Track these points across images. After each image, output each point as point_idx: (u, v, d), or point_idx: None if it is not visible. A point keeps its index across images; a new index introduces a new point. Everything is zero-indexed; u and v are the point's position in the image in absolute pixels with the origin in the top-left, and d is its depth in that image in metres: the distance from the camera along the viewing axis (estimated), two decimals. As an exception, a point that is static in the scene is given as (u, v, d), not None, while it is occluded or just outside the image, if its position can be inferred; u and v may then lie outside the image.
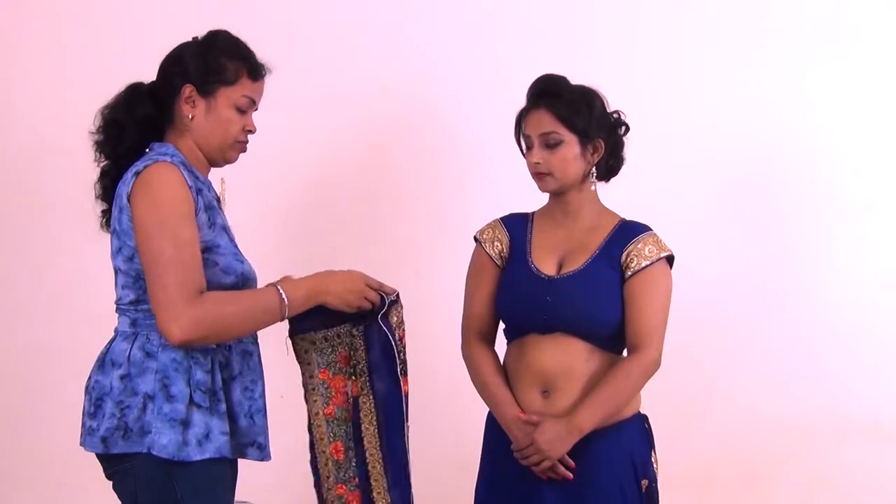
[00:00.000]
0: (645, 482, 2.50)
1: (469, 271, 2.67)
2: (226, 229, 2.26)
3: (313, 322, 2.33)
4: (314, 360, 2.37)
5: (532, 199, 2.64)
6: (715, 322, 3.36)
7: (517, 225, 2.63)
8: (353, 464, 2.39)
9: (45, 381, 3.34)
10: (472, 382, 2.61)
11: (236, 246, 2.28)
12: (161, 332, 2.06)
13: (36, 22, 3.41)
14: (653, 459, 2.55)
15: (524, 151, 2.57)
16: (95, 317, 2.41)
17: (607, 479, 2.46)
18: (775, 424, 3.36)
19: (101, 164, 2.26)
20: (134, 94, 2.24)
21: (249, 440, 2.20)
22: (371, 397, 2.36)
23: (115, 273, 2.20)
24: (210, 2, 3.27)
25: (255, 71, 2.26)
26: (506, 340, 2.63)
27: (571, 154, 2.49)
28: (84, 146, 2.29)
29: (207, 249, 2.15)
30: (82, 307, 3.14)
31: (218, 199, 2.30)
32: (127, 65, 2.40)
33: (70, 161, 2.55)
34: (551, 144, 2.49)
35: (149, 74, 2.29)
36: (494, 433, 2.58)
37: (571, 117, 2.48)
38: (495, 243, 2.62)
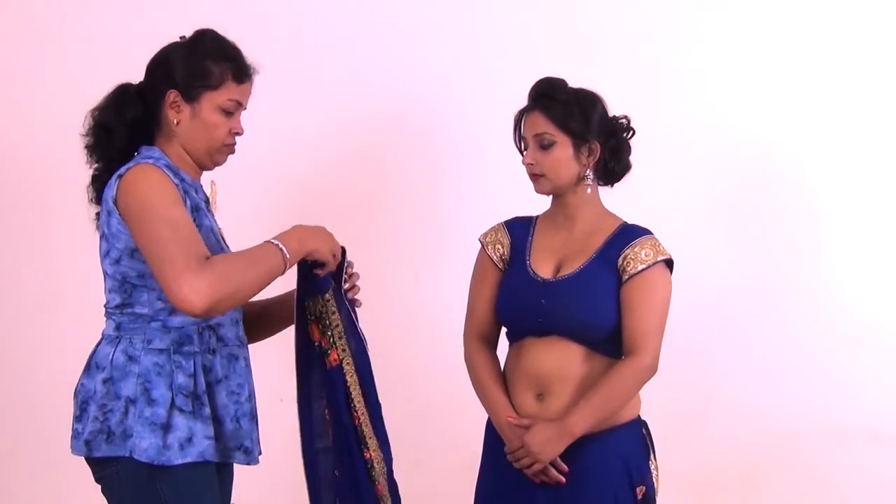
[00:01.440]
0: (641, 489, 2.47)
1: (473, 274, 2.66)
2: (213, 231, 2.24)
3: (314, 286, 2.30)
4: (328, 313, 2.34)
5: (531, 202, 2.62)
6: (714, 326, 3.33)
7: (519, 228, 2.62)
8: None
9: (44, 382, 3.35)
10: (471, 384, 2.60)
11: (223, 248, 2.26)
12: (180, 307, 1.97)
13: (33, 19, 3.43)
14: (651, 466, 2.52)
15: (522, 153, 2.56)
16: (94, 319, 2.40)
17: (600, 485, 2.44)
18: (774, 428, 3.33)
19: (93, 167, 2.25)
20: (123, 96, 2.22)
21: (236, 444, 2.19)
22: (350, 358, 2.34)
23: (104, 276, 2.20)
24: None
25: (241, 73, 2.22)
26: (508, 343, 2.61)
27: (564, 156, 2.48)
28: (80, 146, 2.28)
29: None
30: (81, 309, 3.14)
31: (207, 202, 2.28)
32: (123, 62, 2.37)
33: (67, 161, 2.54)
34: (544, 145, 2.48)
35: (142, 72, 2.28)
36: (493, 435, 2.57)
37: (564, 119, 2.47)
38: (497, 246, 2.61)
